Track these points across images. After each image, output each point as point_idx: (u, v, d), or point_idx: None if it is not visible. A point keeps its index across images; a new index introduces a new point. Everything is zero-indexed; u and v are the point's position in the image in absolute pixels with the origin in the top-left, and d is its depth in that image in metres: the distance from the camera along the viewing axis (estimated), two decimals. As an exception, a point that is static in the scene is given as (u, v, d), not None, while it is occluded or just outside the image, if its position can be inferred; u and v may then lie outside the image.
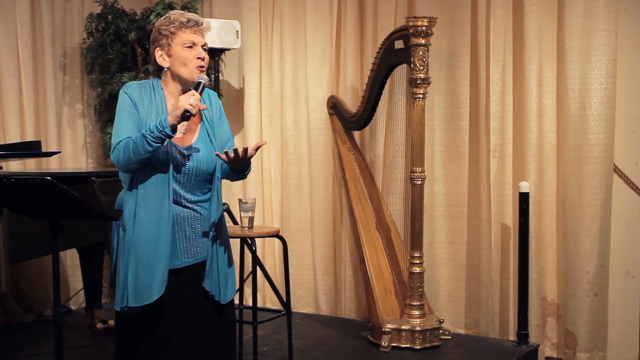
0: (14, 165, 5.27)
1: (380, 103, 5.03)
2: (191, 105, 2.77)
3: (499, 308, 4.93)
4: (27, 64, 5.38)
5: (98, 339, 4.90)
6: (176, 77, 2.97)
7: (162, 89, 2.99)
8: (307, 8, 5.49)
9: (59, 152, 5.45)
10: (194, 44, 2.93)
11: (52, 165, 5.52)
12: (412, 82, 4.57)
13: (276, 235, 4.36)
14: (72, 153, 5.75)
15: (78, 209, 3.13)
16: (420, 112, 4.59)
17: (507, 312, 4.93)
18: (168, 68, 2.96)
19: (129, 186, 2.96)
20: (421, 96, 4.58)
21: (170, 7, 5.53)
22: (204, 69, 2.94)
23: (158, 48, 2.96)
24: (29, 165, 5.43)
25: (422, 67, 4.53)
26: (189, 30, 2.93)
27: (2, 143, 5.17)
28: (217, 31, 5.28)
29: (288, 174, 5.62)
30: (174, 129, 2.81)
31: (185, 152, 2.94)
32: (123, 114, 2.91)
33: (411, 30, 4.52)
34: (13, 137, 5.29)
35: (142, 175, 2.91)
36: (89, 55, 5.63)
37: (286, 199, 5.64)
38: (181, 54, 2.92)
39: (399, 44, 4.68)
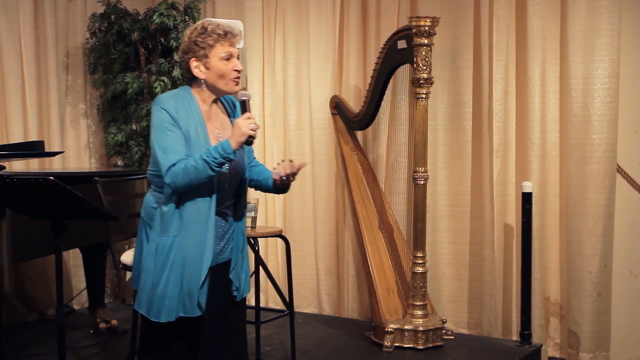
0: (17, 165, 5.28)
1: (383, 103, 5.03)
2: (252, 130, 2.88)
3: (501, 308, 4.93)
4: (30, 63, 5.38)
5: (101, 339, 4.90)
6: (211, 87, 3.01)
7: (194, 97, 3.02)
8: (310, 8, 5.49)
9: (62, 152, 5.46)
10: (231, 55, 2.98)
11: (55, 165, 5.52)
12: (415, 82, 4.57)
13: (279, 235, 4.36)
14: (75, 153, 5.75)
15: (81, 208, 3.14)
16: (423, 112, 4.59)
17: (510, 312, 4.93)
18: (204, 80, 2.99)
19: (170, 192, 2.96)
20: (424, 96, 4.58)
21: (173, 7, 5.54)
22: (239, 79, 3.01)
23: (194, 59, 2.98)
24: (32, 165, 5.44)
25: (425, 67, 4.53)
26: (227, 43, 2.97)
27: (5, 143, 5.18)
28: (220, 31, 5.28)
29: (291, 173, 5.61)
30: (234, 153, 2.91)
31: (227, 165, 3.00)
32: (167, 132, 2.91)
33: (414, 30, 4.52)
34: (16, 137, 5.30)
35: (188, 192, 2.95)
36: (92, 55, 5.63)
37: (289, 199, 5.63)
38: (219, 66, 2.96)
39: (401, 44, 4.68)
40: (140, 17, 5.63)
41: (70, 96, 5.74)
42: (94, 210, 3.18)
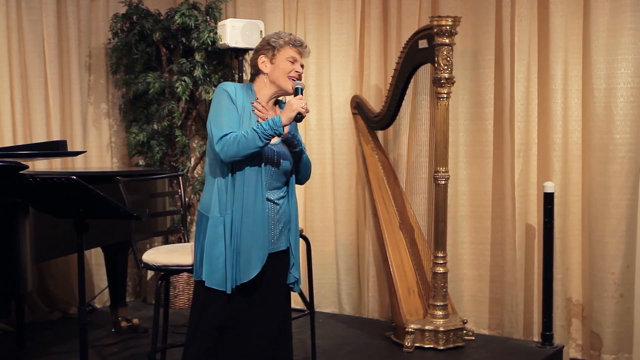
0: (40, 165, 5.32)
1: (404, 103, 5.02)
2: (302, 108, 3.21)
3: (523, 309, 4.91)
4: (53, 64, 5.42)
5: (122, 337, 4.93)
6: (271, 83, 3.35)
7: (254, 91, 3.35)
8: (331, 8, 5.49)
9: (85, 151, 5.49)
10: (295, 60, 3.34)
11: (77, 164, 5.56)
12: (436, 82, 4.56)
13: (299, 234, 4.35)
14: (97, 152, 5.79)
15: (103, 208, 3.16)
16: (444, 112, 4.58)
17: (531, 313, 4.91)
18: (267, 74, 3.34)
19: (220, 167, 3.23)
20: (445, 96, 4.56)
21: (195, 7, 5.56)
22: (295, 79, 3.33)
23: (262, 55, 3.35)
24: (55, 164, 5.47)
25: (446, 67, 4.52)
26: (295, 49, 3.35)
27: (29, 142, 5.22)
28: (241, 31, 5.30)
29: (312, 173, 5.59)
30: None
31: (275, 149, 3.33)
32: (223, 109, 3.23)
33: (435, 30, 4.50)
34: (39, 137, 5.34)
35: (239, 169, 3.23)
36: (114, 55, 5.66)
37: (309, 198, 5.64)
38: (283, 64, 3.32)
39: (423, 44, 4.67)
40: (161, 18, 5.65)
41: (92, 96, 5.77)
42: (115, 209, 3.20)
